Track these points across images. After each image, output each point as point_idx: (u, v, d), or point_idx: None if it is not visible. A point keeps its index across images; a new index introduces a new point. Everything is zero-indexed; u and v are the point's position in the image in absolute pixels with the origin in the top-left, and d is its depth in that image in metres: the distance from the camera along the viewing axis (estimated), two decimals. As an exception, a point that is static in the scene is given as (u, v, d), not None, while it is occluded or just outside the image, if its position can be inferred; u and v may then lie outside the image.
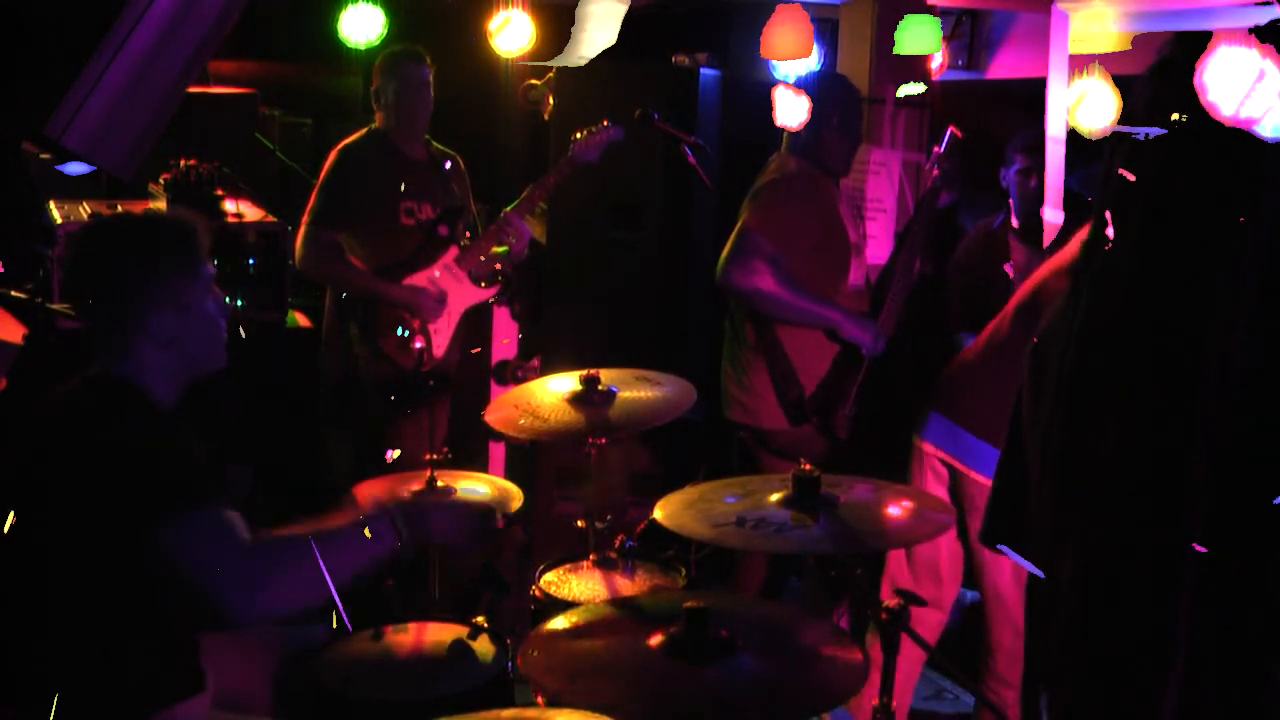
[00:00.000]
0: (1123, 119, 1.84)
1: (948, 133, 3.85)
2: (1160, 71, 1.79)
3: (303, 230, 4.12)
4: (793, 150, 3.88)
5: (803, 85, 3.86)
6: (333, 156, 4.21)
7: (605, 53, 4.32)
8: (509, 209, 4.32)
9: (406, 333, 4.13)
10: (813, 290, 3.75)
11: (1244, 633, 1.68)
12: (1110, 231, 1.88)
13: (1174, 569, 1.71)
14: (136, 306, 2.19)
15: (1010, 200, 4.25)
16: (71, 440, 2.15)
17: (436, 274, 4.20)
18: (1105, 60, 3.53)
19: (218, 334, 2.32)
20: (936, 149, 3.88)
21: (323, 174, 4.19)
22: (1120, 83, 3.47)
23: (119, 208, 4.22)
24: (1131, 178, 1.83)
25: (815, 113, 3.80)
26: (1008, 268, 4.16)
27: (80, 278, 2.26)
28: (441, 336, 4.24)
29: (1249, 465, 1.66)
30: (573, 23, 4.38)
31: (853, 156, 3.93)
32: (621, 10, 4.15)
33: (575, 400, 3.13)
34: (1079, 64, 3.70)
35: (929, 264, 4.56)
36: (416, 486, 3.10)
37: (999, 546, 3.22)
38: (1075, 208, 3.79)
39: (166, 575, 2.05)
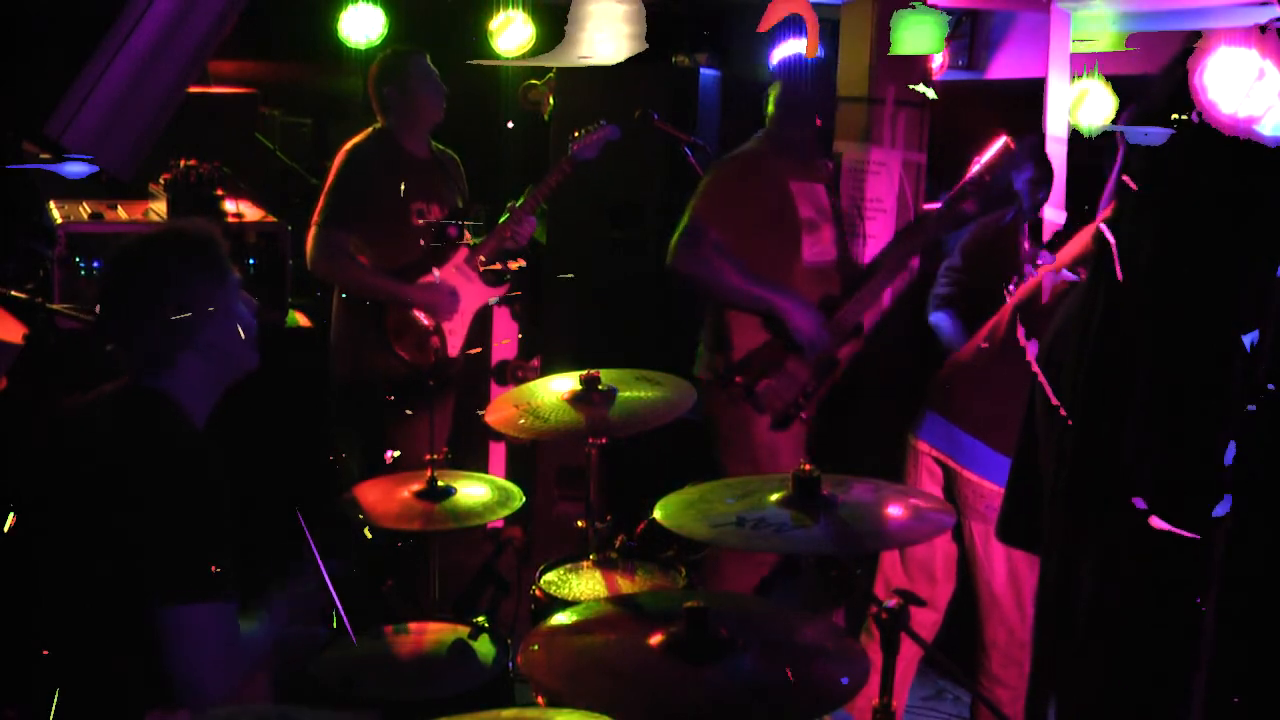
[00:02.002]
0: (1134, 117, 1.84)
1: (1000, 141, 3.74)
2: (1172, 71, 1.79)
3: (313, 233, 4.10)
4: (760, 132, 3.97)
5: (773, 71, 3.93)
6: (340, 158, 4.19)
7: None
8: (514, 204, 4.31)
9: (408, 332, 4.12)
10: (763, 272, 3.80)
11: (1273, 629, 1.68)
12: (1112, 235, 1.88)
13: (1199, 565, 1.71)
14: (185, 322, 2.21)
15: (1022, 200, 4.20)
16: (106, 449, 2.16)
17: (447, 274, 4.20)
18: (1105, 60, 3.53)
19: (251, 335, 2.34)
20: (977, 157, 3.80)
21: (331, 175, 4.17)
22: (1120, 83, 3.47)
23: (119, 208, 4.21)
24: (1134, 185, 1.83)
25: (777, 94, 3.92)
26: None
27: (124, 299, 2.24)
28: (455, 337, 4.24)
29: (1274, 462, 1.66)
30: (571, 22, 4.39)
31: (812, 134, 3.94)
32: (622, 10, 4.15)
33: (575, 400, 3.13)
34: (1079, 64, 3.70)
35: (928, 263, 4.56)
36: (417, 486, 3.10)
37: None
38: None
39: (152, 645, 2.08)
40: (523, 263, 4.58)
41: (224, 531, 2.13)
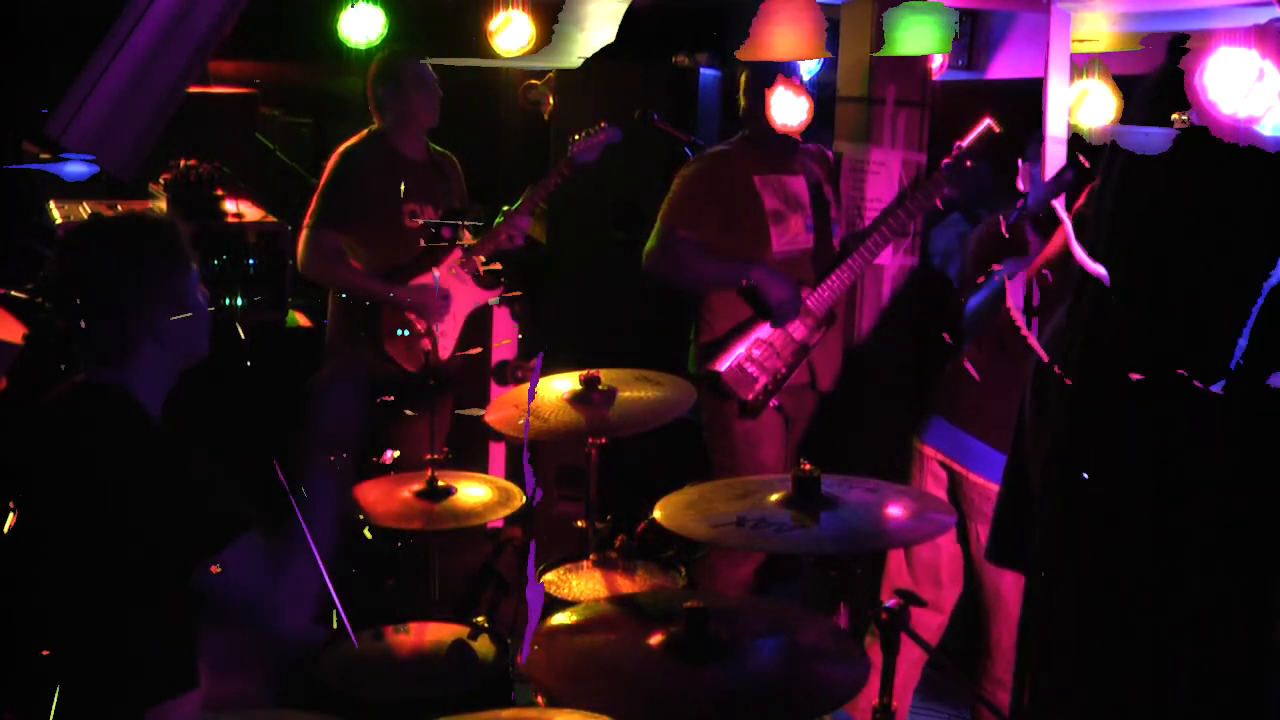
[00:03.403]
0: (1131, 117, 1.84)
1: (983, 123, 3.84)
2: (1172, 71, 1.78)
3: (304, 235, 4.11)
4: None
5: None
6: (334, 160, 4.20)
7: (605, 52, 4.34)
8: (509, 209, 4.32)
9: (407, 332, 4.13)
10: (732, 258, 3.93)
11: (1253, 632, 1.68)
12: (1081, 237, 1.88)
13: (1182, 568, 1.71)
14: (146, 309, 2.21)
15: (1030, 194, 4.22)
16: (69, 447, 2.16)
17: (441, 275, 4.20)
18: (1106, 60, 3.52)
19: (207, 324, 2.34)
20: (958, 142, 3.88)
21: (324, 177, 4.17)
22: (1122, 83, 3.46)
23: (119, 207, 4.22)
24: (1113, 187, 1.83)
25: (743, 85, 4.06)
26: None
27: (84, 286, 2.22)
28: (447, 339, 4.24)
29: (1264, 469, 1.66)
30: (570, 23, 4.39)
31: (773, 130, 3.96)
32: (619, 9, 4.15)
33: (575, 400, 3.13)
34: (1079, 64, 3.70)
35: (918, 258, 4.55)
36: (417, 486, 3.10)
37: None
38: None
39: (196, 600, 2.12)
40: (498, 266, 4.56)
41: (209, 505, 2.14)
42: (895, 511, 2.45)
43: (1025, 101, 4.31)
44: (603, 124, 4.32)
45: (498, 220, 4.32)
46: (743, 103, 4.06)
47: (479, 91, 5.86)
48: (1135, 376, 1.77)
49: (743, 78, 4.04)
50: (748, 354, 3.92)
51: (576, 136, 4.32)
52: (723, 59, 5.46)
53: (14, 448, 2.24)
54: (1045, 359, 1.99)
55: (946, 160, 3.90)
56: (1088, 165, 1.86)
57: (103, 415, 2.18)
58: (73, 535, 2.11)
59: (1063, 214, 2.01)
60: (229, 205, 4.20)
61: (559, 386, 3.21)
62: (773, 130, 3.97)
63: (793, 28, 3.57)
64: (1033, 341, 2.08)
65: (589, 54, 4.19)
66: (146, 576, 2.09)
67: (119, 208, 4.21)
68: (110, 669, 2.15)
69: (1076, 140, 3.85)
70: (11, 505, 2.22)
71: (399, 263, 4.17)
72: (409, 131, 4.23)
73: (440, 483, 3.10)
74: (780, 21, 3.58)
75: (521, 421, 3.10)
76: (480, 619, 2.82)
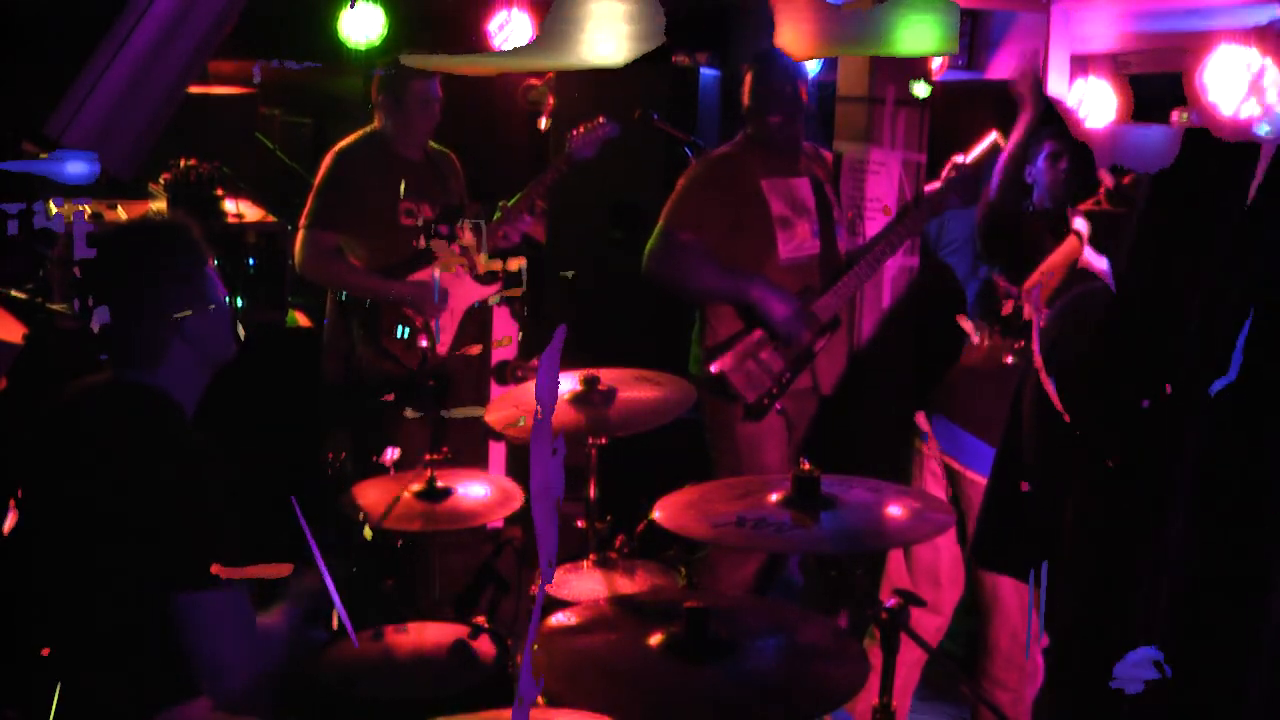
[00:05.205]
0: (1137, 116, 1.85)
1: (989, 136, 3.82)
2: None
3: (300, 235, 4.11)
4: (741, 131, 4.06)
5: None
6: (328, 160, 4.20)
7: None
8: (508, 204, 4.32)
9: (408, 331, 4.13)
10: (736, 266, 3.86)
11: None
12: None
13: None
14: (173, 309, 2.24)
15: (1034, 191, 4.23)
16: (101, 445, 2.17)
17: (438, 273, 4.20)
18: (1107, 60, 3.52)
19: (231, 322, 2.38)
20: (960, 155, 3.86)
21: (318, 178, 4.18)
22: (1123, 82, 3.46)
23: (119, 208, 4.22)
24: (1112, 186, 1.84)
25: (749, 85, 3.99)
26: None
27: (113, 290, 2.26)
28: (445, 335, 4.24)
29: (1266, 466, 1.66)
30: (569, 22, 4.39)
31: (789, 125, 3.95)
32: (623, 10, 4.14)
33: (575, 400, 3.13)
34: (1079, 64, 3.70)
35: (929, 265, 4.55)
36: (417, 486, 3.09)
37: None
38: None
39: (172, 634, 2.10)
40: (523, 261, 4.58)
41: (227, 523, 2.14)
42: (895, 511, 2.45)
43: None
44: (601, 118, 4.31)
45: (495, 216, 4.32)
46: (746, 101, 4.00)
47: (479, 91, 5.86)
48: (1141, 379, 1.77)
49: (748, 76, 4.00)
50: (753, 357, 3.88)
51: (575, 132, 4.32)
52: (723, 59, 5.47)
53: (27, 445, 2.25)
54: (1039, 360, 1.99)
55: (950, 174, 3.86)
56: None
57: (144, 414, 2.20)
58: (90, 532, 2.11)
59: (1079, 226, 2.01)
60: (229, 205, 4.20)
61: (559, 386, 3.20)
62: (776, 129, 3.95)
63: (801, 25, 3.56)
64: (1034, 344, 2.08)
65: (634, 56, 4.18)
66: (161, 577, 2.09)
67: (119, 208, 4.21)
68: (119, 672, 2.15)
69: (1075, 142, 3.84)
70: (13, 504, 2.22)
71: (396, 260, 4.17)
72: (408, 137, 4.24)
73: (440, 483, 3.09)
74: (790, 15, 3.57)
75: (522, 421, 3.09)
76: (480, 619, 2.81)
